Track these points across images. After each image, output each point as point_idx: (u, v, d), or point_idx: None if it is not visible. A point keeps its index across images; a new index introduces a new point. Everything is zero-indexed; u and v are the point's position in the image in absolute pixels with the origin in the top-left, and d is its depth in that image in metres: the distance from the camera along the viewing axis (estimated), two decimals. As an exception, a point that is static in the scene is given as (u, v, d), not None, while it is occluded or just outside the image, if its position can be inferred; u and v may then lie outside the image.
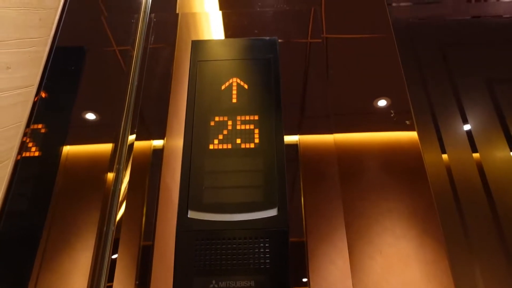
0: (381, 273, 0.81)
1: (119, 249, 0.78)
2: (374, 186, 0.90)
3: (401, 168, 0.92)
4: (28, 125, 0.83)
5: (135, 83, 1.00)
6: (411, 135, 0.97)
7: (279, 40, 1.04)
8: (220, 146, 0.88)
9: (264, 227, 0.79)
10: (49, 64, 0.93)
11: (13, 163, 0.80)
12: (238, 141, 0.88)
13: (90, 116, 0.96)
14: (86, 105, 0.97)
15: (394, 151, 0.95)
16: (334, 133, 0.95)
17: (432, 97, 1.07)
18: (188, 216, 0.81)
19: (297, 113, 0.99)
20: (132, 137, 0.92)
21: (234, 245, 0.77)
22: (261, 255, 0.76)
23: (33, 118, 0.85)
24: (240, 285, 0.74)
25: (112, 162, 0.88)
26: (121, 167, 0.88)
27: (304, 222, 0.84)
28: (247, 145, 0.88)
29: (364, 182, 0.90)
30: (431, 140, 1.00)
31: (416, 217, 0.86)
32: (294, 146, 0.93)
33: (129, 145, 0.91)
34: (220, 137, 0.89)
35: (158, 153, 0.90)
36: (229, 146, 0.88)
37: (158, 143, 0.92)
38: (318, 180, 0.89)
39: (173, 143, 0.94)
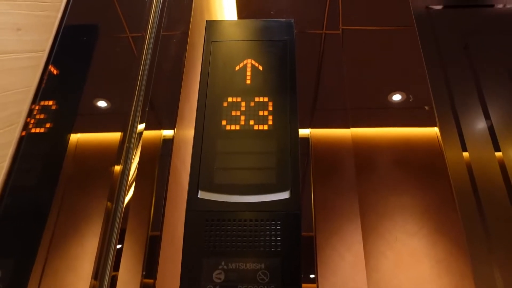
0: (392, 269, 0.80)
1: (128, 239, 0.77)
2: (387, 182, 0.88)
3: (416, 164, 0.90)
4: (37, 92, 0.82)
5: (147, 66, 0.98)
6: (428, 131, 0.94)
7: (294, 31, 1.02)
8: (233, 127, 0.86)
9: (276, 210, 0.77)
10: (61, 33, 0.91)
11: (21, 128, 0.79)
12: (251, 122, 0.86)
13: (100, 103, 0.94)
14: (96, 89, 0.95)
15: (409, 147, 0.93)
16: (346, 128, 0.93)
17: (454, 91, 1.04)
18: (198, 196, 0.79)
19: (309, 107, 0.98)
20: (141, 126, 0.90)
21: (244, 227, 0.76)
22: (272, 238, 0.74)
23: (42, 86, 0.84)
24: (250, 267, 0.72)
25: (121, 149, 0.86)
26: (130, 155, 0.86)
27: (313, 217, 0.82)
28: (260, 127, 0.86)
29: (377, 177, 0.88)
30: (451, 137, 0.97)
31: (430, 214, 0.84)
32: (305, 140, 0.91)
33: (138, 134, 0.89)
34: (233, 118, 0.87)
35: (168, 142, 0.89)
36: (242, 127, 0.86)
37: (168, 132, 0.90)
38: (330, 175, 0.87)
39: (184, 131, 0.92)
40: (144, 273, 0.74)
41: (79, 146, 0.86)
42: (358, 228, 0.82)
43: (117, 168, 0.83)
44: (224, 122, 0.87)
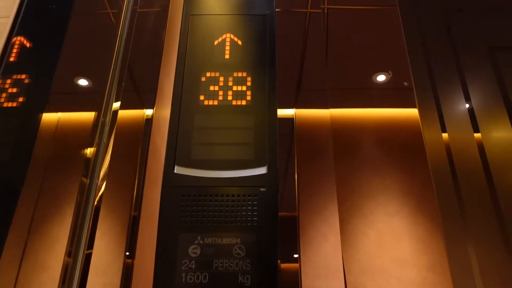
0: (374, 249, 0.80)
1: (110, 219, 0.76)
2: (370, 162, 0.88)
3: (399, 145, 0.90)
4: (1, 60, 0.79)
5: (123, 42, 0.95)
6: (411, 112, 0.94)
7: (277, 10, 0.99)
8: (211, 102, 0.85)
9: (252, 185, 0.76)
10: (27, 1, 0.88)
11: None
12: (230, 97, 0.85)
13: (73, 78, 0.91)
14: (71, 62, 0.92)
15: (392, 128, 0.92)
16: (331, 108, 0.92)
17: (435, 72, 1.03)
18: (175, 171, 0.78)
19: (294, 87, 0.96)
20: (117, 104, 0.87)
21: (221, 202, 0.75)
22: (249, 213, 0.74)
23: (7, 54, 0.81)
24: (226, 242, 0.72)
25: (96, 126, 0.84)
26: (104, 133, 0.84)
27: (297, 197, 0.82)
28: (239, 102, 0.84)
29: (360, 158, 0.88)
30: (431, 118, 0.96)
31: (411, 195, 0.85)
32: (290, 120, 0.90)
33: (113, 111, 0.87)
34: (211, 93, 0.86)
35: (147, 120, 0.87)
36: (220, 102, 0.85)
37: (148, 109, 0.88)
38: (315, 155, 0.87)
39: (164, 108, 0.91)
40: (127, 253, 0.74)
41: (60, 125, 0.84)
42: (341, 208, 0.82)
43: (92, 146, 0.82)
44: (202, 97, 0.85)
